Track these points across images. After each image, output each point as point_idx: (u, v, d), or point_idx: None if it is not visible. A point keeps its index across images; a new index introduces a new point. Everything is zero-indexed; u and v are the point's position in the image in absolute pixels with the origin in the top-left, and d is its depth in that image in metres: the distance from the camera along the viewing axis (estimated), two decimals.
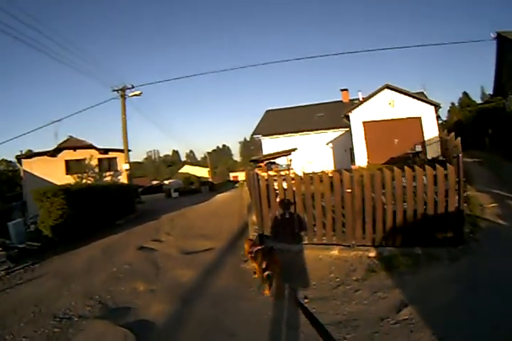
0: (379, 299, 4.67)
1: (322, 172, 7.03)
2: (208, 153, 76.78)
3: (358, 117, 22.21)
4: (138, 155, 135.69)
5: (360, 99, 25.37)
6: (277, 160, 20.47)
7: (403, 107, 21.27)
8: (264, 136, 26.42)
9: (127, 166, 17.53)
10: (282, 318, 4.44)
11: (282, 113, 30.81)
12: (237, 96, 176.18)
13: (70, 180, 25.44)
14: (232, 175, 78.85)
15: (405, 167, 6.22)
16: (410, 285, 4.90)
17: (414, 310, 4.12)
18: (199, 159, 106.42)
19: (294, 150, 20.79)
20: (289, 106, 32.83)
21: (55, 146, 27.11)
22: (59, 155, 26.53)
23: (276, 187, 7.24)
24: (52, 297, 5.60)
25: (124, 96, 17.43)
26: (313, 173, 6.85)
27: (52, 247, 9.20)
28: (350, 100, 29.73)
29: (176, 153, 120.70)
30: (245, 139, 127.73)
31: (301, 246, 6.83)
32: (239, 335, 4.14)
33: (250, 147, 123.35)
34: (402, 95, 21.56)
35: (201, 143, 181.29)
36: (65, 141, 28.04)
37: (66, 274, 6.81)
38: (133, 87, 17.44)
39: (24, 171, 25.60)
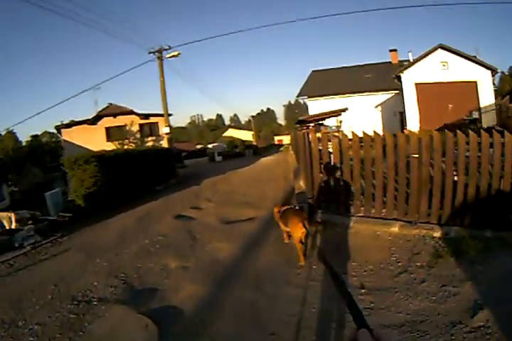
0: (449, 295, 3.55)
1: (384, 133, 5.70)
2: (252, 116, 75.43)
3: (409, 78, 20.35)
4: (181, 120, 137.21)
5: (411, 61, 23.03)
6: (326, 122, 18.87)
7: (457, 70, 19.43)
8: (310, 97, 24.65)
9: (167, 130, 16.85)
10: (331, 312, 3.47)
11: (328, 73, 28.55)
12: (282, 57, 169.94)
13: (110, 147, 25.43)
14: (276, 138, 77.45)
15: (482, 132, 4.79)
16: (484, 279, 3.72)
17: (491, 315, 3.05)
18: (243, 123, 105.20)
19: (344, 110, 18.64)
20: (335, 66, 30.48)
21: (95, 114, 26.99)
22: (99, 122, 26.45)
23: (330, 150, 6.06)
24: (75, 275, 4.98)
25: (161, 58, 16.37)
26: (372, 134, 5.52)
27: (84, 217, 8.77)
28: (400, 61, 27.36)
29: (219, 117, 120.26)
30: (290, 102, 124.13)
31: (357, 218, 5.71)
32: (279, 334, 3.23)
33: (295, 110, 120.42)
34: (457, 56, 19.51)
35: (245, 107, 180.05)
36: (104, 109, 27.82)
37: (94, 248, 6.21)
38: (170, 48, 16.29)
39: (64, 141, 25.87)
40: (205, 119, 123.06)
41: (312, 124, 16.81)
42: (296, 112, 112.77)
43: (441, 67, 19.95)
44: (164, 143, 28.74)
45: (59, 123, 26.76)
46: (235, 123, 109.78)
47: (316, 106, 23.98)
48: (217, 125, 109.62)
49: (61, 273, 5.04)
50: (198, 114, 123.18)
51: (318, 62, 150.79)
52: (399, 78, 20.77)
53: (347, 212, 5.83)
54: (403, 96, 20.32)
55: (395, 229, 5.25)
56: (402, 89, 20.53)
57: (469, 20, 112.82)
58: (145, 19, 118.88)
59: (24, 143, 65.05)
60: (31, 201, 10.88)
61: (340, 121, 19.17)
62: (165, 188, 13.20)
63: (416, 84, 20.15)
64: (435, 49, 20.09)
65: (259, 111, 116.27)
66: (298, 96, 24.67)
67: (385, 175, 5.46)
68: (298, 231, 4.40)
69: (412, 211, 5.31)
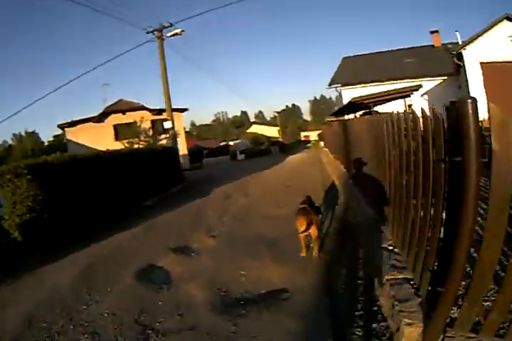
0: None
1: None
2: (277, 112, 71.42)
3: (473, 56, 16.19)
4: (206, 118, 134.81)
5: (460, 42, 18.81)
6: (383, 107, 13.55)
7: None
8: (344, 85, 20.50)
9: (169, 124, 13.41)
10: None
11: (362, 59, 24.21)
12: (308, 48, 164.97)
13: (119, 146, 22.60)
14: (303, 134, 73.47)
15: None
16: None
17: None
18: (268, 119, 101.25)
19: (417, 88, 13.32)
20: (367, 52, 26.08)
21: (101, 111, 23.95)
22: (106, 120, 23.47)
23: None
24: None
25: (161, 38, 12.95)
26: None
27: (16, 259, 5.38)
28: (443, 44, 23.08)
29: (244, 113, 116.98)
30: (315, 98, 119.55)
31: None
32: None
33: (321, 106, 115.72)
34: None
35: (270, 103, 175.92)
36: (112, 104, 24.73)
37: None
38: (171, 25, 12.81)
39: (69, 141, 23.06)
40: (230, 116, 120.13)
41: (360, 112, 12.75)
42: (321, 107, 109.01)
43: (511, 44, 15.81)
44: (181, 141, 25.65)
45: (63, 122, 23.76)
46: (261, 119, 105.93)
47: (352, 95, 19.78)
48: (242, 122, 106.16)
49: None
50: (222, 111, 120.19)
51: (346, 50, 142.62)
52: (459, 56, 16.58)
53: None
54: (466, 79, 16.12)
55: None
56: (464, 69, 16.35)
57: None
58: None
59: (46, 144, 64.06)
60: None
61: (410, 106, 13.91)
62: (158, 203, 9.70)
63: (482, 63, 15.92)
64: (500, 20, 16.11)
65: (284, 108, 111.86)
66: (330, 85, 20.49)
67: None
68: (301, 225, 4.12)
69: None
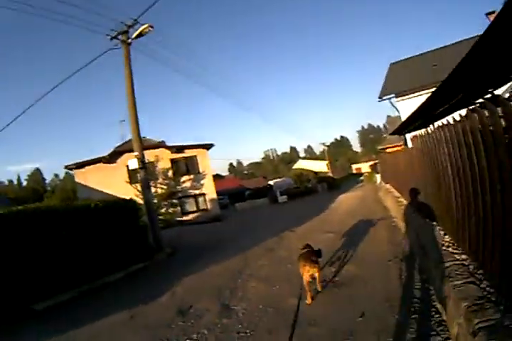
0: None
1: None
2: (326, 145, 66.44)
3: None
4: (255, 155, 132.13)
5: None
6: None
7: None
8: (398, 96, 15.19)
9: (135, 163, 8.92)
10: None
11: (414, 62, 18.76)
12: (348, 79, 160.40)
13: (134, 190, 18.92)
14: (354, 167, 67.59)
15: None
16: None
17: None
18: (318, 153, 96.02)
19: None
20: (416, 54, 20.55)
21: (112, 150, 20.66)
22: (118, 160, 19.97)
23: None
24: None
25: (126, 42, 9.09)
26: None
27: None
28: None
29: (293, 149, 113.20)
30: (363, 127, 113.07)
31: None
32: None
33: (369, 135, 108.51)
34: None
35: (318, 137, 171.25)
36: (125, 143, 21.40)
37: None
38: (137, 22, 8.89)
39: (77, 183, 19.80)
40: (279, 153, 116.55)
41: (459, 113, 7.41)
42: (371, 137, 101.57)
43: None
44: (206, 184, 21.54)
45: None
46: (310, 154, 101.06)
47: (410, 105, 14.22)
48: (292, 158, 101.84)
49: None
50: (271, 148, 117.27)
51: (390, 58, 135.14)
52: None
53: None
54: None
55: None
56: None
57: None
58: None
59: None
60: None
61: None
62: (60, 307, 5.12)
63: None
64: None
65: (332, 140, 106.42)
66: (381, 97, 15.18)
67: None
68: (305, 272, 4.07)
69: None
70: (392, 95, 14.38)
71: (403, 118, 13.41)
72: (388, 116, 36.35)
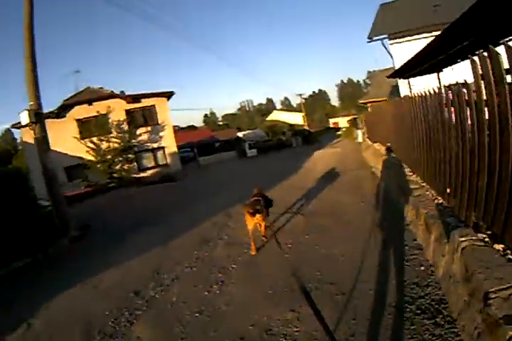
0: None
1: None
2: (304, 98, 63.43)
3: None
4: (231, 106, 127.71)
5: None
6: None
7: None
8: (392, 37, 12.35)
9: (25, 116, 6.51)
10: None
11: (410, 3, 15.64)
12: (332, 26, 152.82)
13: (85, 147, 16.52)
14: (331, 121, 65.42)
15: None
16: None
17: None
18: (295, 106, 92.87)
19: None
20: None
21: (61, 103, 17.90)
22: (68, 114, 17.38)
23: None
24: None
25: None
26: None
27: None
28: None
29: (270, 101, 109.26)
30: (342, 81, 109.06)
31: None
32: None
33: (349, 89, 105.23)
34: None
35: (295, 89, 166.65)
36: (76, 95, 18.52)
37: None
38: None
39: (24, 142, 17.81)
40: (255, 104, 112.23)
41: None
42: (350, 91, 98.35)
43: None
44: (166, 136, 19.01)
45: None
46: (287, 107, 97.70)
47: (405, 50, 11.28)
48: (268, 109, 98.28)
49: None
50: (247, 100, 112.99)
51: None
52: None
53: None
54: None
55: None
56: None
57: None
58: None
59: None
60: None
61: None
62: None
63: None
64: None
65: (311, 93, 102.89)
66: (370, 38, 12.41)
67: None
68: (249, 223, 4.03)
69: None
70: (385, 35, 11.82)
71: (397, 64, 11.15)
72: (369, 72, 33.69)
